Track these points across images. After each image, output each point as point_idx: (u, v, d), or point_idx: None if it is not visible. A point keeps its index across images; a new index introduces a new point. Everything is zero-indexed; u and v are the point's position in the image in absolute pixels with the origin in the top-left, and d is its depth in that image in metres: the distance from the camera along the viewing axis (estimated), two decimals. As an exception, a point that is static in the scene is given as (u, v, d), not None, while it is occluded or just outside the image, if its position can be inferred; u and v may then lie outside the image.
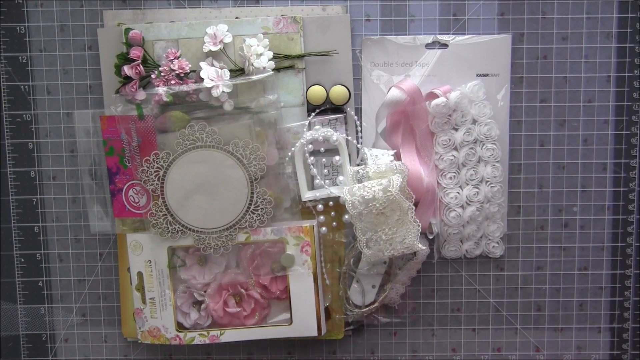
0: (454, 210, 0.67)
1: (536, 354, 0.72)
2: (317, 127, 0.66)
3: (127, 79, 0.64)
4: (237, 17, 0.66)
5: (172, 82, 0.64)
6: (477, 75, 0.67)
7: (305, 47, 0.66)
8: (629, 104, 0.69)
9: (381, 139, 0.67)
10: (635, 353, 0.72)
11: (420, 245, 0.63)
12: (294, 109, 0.67)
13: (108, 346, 0.72)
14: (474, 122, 0.67)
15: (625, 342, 0.72)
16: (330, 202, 0.67)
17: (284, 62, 0.66)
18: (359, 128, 0.67)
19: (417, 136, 0.67)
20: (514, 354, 0.72)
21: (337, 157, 0.66)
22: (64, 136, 0.70)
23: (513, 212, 0.70)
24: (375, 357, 0.72)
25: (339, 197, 0.65)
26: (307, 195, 0.66)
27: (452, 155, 0.66)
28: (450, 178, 0.67)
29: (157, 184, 0.65)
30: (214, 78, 0.63)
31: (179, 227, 0.65)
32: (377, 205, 0.61)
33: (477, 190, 0.67)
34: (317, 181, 0.67)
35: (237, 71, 0.65)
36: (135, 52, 0.64)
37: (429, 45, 0.67)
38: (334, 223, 0.68)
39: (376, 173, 0.63)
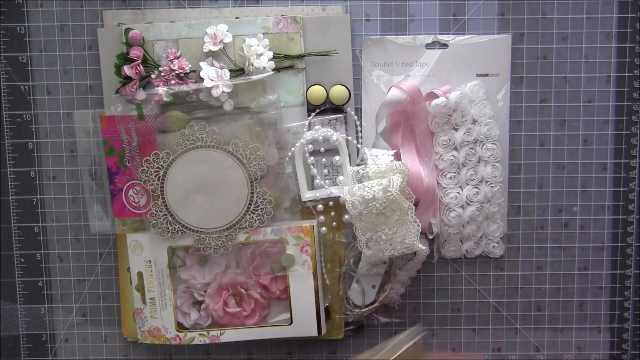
0: (454, 210, 0.67)
1: (536, 354, 0.72)
2: (317, 127, 0.66)
3: (127, 79, 0.64)
4: (237, 17, 0.66)
5: (172, 82, 0.64)
6: (477, 75, 0.67)
7: (305, 47, 0.66)
8: (629, 104, 0.69)
9: (381, 139, 0.67)
10: (635, 353, 0.72)
11: (420, 245, 0.63)
12: (294, 109, 0.67)
13: (108, 346, 0.72)
14: (474, 122, 0.67)
15: (625, 342, 0.72)
16: (330, 202, 0.67)
17: (284, 62, 0.66)
18: (359, 128, 0.67)
19: (417, 136, 0.67)
20: (514, 354, 0.72)
21: (337, 157, 0.66)
22: (64, 136, 0.70)
23: (513, 212, 0.70)
24: (375, 357, 0.72)
25: (339, 197, 0.65)
26: (307, 195, 0.66)
27: (452, 155, 0.66)
28: (450, 178, 0.67)
29: (157, 184, 0.65)
30: (214, 78, 0.63)
31: (179, 227, 0.65)
32: (377, 205, 0.61)
33: (477, 190, 0.67)
34: (317, 181, 0.67)
35: (237, 71, 0.65)
36: (135, 52, 0.64)
37: (429, 45, 0.67)
38: (334, 223, 0.68)
39: (376, 173, 0.63)
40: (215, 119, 0.65)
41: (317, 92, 0.66)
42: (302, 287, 0.66)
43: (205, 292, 0.68)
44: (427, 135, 0.67)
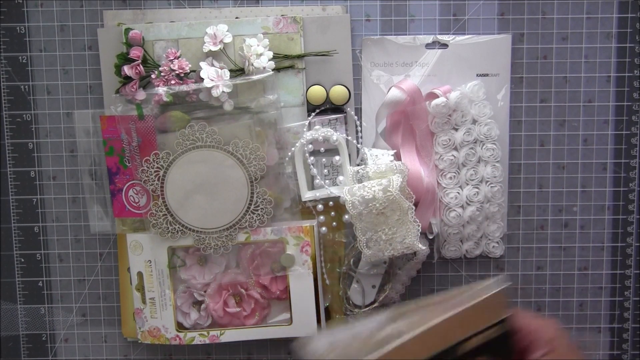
0: (454, 210, 0.67)
1: (536, 354, 0.72)
2: (317, 127, 0.66)
3: (127, 79, 0.64)
4: (237, 17, 0.66)
5: (172, 82, 0.64)
6: (477, 75, 0.67)
7: (305, 47, 0.66)
8: (629, 104, 0.69)
9: (381, 139, 0.67)
10: (635, 353, 0.72)
11: (420, 245, 0.63)
12: (294, 109, 0.67)
13: (108, 346, 0.72)
14: (474, 122, 0.67)
15: (625, 342, 0.72)
16: (330, 202, 0.67)
17: (284, 62, 0.66)
18: (359, 128, 0.67)
19: (417, 136, 0.67)
20: (514, 354, 0.72)
21: (337, 157, 0.66)
22: (64, 136, 0.70)
23: (513, 212, 0.70)
24: (375, 357, 0.72)
25: (339, 197, 0.65)
26: (307, 195, 0.66)
27: (452, 155, 0.66)
28: (450, 178, 0.67)
29: (157, 184, 0.65)
30: (214, 78, 0.63)
31: (179, 227, 0.65)
32: (377, 205, 0.61)
33: (477, 190, 0.67)
34: (317, 181, 0.67)
35: (237, 71, 0.65)
36: (135, 52, 0.64)
37: (429, 45, 0.67)
38: (334, 223, 0.68)
39: (376, 173, 0.63)
40: (215, 119, 0.65)
41: (317, 92, 0.66)
42: (302, 287, 0.66)
43: (205, 292, 0.68)
44: (427, 135, 0.67)
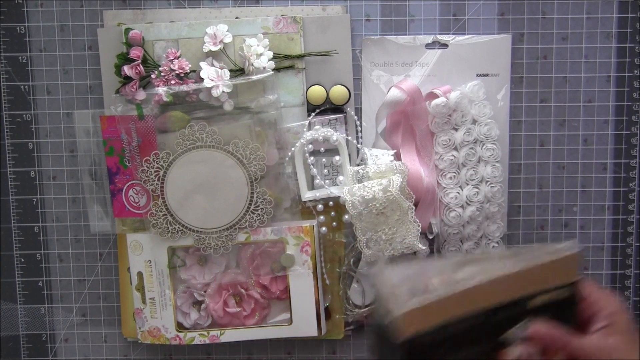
0: (454, 210, 0.67)
1: (536, 354, 0.72)
2: (317, 127, 0.66)
3: (127, 79, 0.64)
4: (237, 17, 0.66)
5: (172, 82, 0.64)
6: (477, 75, 0.67)
7: (305, 47, 0.66)
8: (629, 104, 0.69)
9: (381, 139, 0.67)
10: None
11: (420, 245, 0.63)
12: (294, 109, 0.67)
13: (108, 346, 0.72)
14: (474, 122, 0.67)
15: (625, 342, 0.72)
16: (330, 202, 0.67)
17: (284, 62, 0.66)
18: (359, 128, 0.67)
19: (417, 136, 0.67)
20: (514, 354, 0.72)
21: (337, 157, 0.66)
22: (64, 136, 0.70)
23: (513, 212, 0.70)
24: (375, 357, 0.72)
25: (339, 197, 0.65)
26: (307, 195, 0.66)
27: (452, 155, 0.66)
28: (450, 178, 0.67)
29: (157, 184, 0.65)
30: (214, 78, 0.63)
31: (179, 227, 0.65)
32: (377, 205, 0.61)
33: (477, 190, 0.67)
34: (317, 181, 0.67)
35: (237, 71, 0.65)
36: (135, 52, 0.64)
37: (429, 45, 0.67)
38: (334, 223, 0.68)
39: (376, 173, 0.63)
40: (215, 119, 0.65)
41: (317, 92, 0.66)
42: (302, 287, 0.66)
43: (205, 292, 0.68)
44: (427, 135, 0.67)
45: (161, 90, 0.63)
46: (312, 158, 0.66)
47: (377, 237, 0.63)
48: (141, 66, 0.64)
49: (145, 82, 0.65)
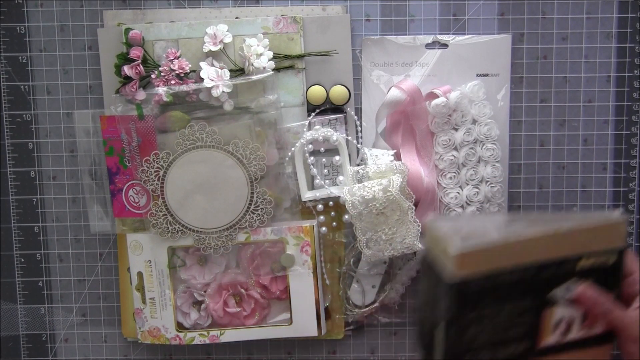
0: (454, 210, 0.67)
1: (536, 354, 0.72)
2: (317, 127, 0.66)
3: (127, 79, 0.64)
4: (237, 17, 0.66)
5: (172, 82, 0.64)
6: (477, 75, 0.67)
7: (305, 47, 0.66)
8: (629, 104, 0.69)
9: (381, 139, 0.67)
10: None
11: (420, 245, 0.63)
12: (294, 109, 0.67)
13: (108, 346, 0.72)
14: (474, 122, 0.67)
15: (625, 342, 0.72)
16: (330, 202, 0.67)
17: (284, 62, 0.66)
18: (359, 128, 0.67)
19: (417, 136, 0.67)
20: (514, 354, 0.72)
21: (337, 157, 0.66)
22: (64, 136, 0.70)
23: (513, 212, 0.70)
24: (375, 357, 0.72)
25: (339, 197, 0.65)
26: (307, 195, 0.66)
27: (452, 155, 0.66)
28: (450, 178, 0.67)
29: (157, 184, 0.65)
30: (214, 78, 0.63)
31: (179, 227, 0.65)
32: (377, 205, 0.61)
33: (477, 190, 0.67)
34: (317, 181, 0.67)
35: (237, 71, 0.65)
36: (135, 52, 0.64)
37: (429, 45, 0.67)
38: (334, 223, 0.68)
39: (376, 173, 0.63)
40: (215, 119, 0.65)
41: (317, 92, 0.66)
42: (302, 287, 0.66)
43: (205, 292, 0.68)
44: (427, 135, 0.67)
45: (161, 90, 0.63)
46: (312, 158, 0.66)
47: (377, 237, 0.63)
48: (141, 66, 0.64)
49: (145, 82, 0.65)
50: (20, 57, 0.69)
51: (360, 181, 0.64)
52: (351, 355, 0.72)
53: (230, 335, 0.67)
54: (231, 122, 0.64)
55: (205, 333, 0.67)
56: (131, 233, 0.67)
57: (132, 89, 0.64)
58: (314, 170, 0.67)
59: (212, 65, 0.64)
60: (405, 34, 0.68)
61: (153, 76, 0.64)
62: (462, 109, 0.66)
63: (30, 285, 0.72)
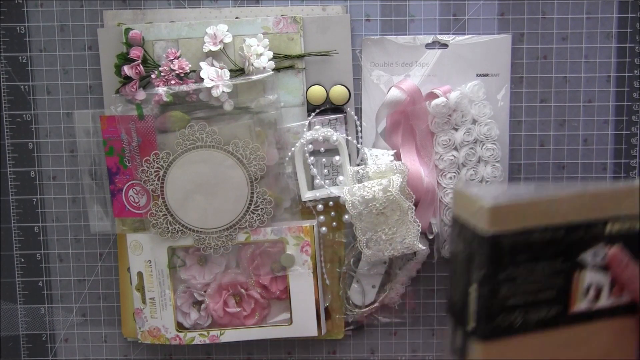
0: (454, 210, 0.67)
1: (536, 354, 0.72)
2: (317, 127, 0.66)
3: (127, 79, 0.64)
4: (237, 17, 0.66)
5: (172, 82, 0.64)
6: (477, 75, 0.67)
7: (305, 47, 0.66)
8: (629, 104, 0.69)
9: (381, 139, 0.67)
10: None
11: (420, 245, 0.63)
12: (294, 109, 0.67)
13: (108, 346, 0.73)
14: (474, 122, 0.67)
15: (625, 342, 0.72)
16: (330, 202, 0.67)
17: (284, 62, 0.66)
18: (359, 128, 0.68)
19: (417, 136, 0.67)
20: (514, 354, 0.72)
21: (337, 157, 0.66)
22: (64, 136, 0.70)
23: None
24: (375, 357, 0.72)
25: (339, 197, 0.65)
26: (307, 195, 0.66)
27: (452, 155, 0.66)
28: (450, 178, 0.67)
29: (157, 184, 0.65)
30: (214, 78, 0.63)
31: (179, 227, 0.65)
32: (377, 205, 0.61)
33: (477, 190, 0.67)
34: (317, 181, 0.67)
35: (237, 71, 0.65)
36: (135, 52, 0.64)
37: (429, 45, 0.67)
38: (334, 223, 0.68)
39: (376, 173, 0.63)
40: (215, 119, 0.65)
41: (317, 92, 0.66)
42: (302, 287, 0.66)
43: (205, 292, 0.68)
44: (427, 135, 0.67)
45: (161, 90, 0.63)
46: (312, 158, 0.66)
47: (377, 237, 0.63)
48: (141, 66, 0.64)
49: (145, 82, 0.65)
50: (20, 57, 0.69)
51: (360, 181, 0.64)
52: (351, 355, 0.72)
53: (230, 335, 0.67)
54: (231, 122, 0.64)
55: (205, 333, 0.67)
56: (131, 233, 0.67)
57: (132, 89, 0.64)
58: (314, 170, 0.67)
59: (212, 65, 0.64)
60: (405, 34, 0.68)
61: (153, 76, 0.64)
62: (462, 109, 0.66)
63: (30, 285, 0.72)
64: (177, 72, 0.63)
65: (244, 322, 0.68)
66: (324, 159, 0.67)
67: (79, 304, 0.72)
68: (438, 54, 0.67)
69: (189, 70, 0.64)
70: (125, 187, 0.67)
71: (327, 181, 0.68)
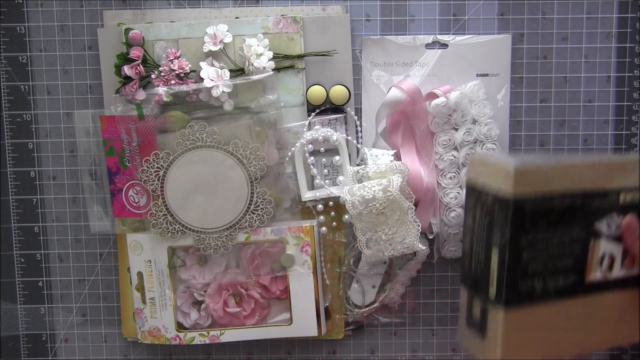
0: (454, 210, 0.67)
1: (536, 354, 0.72)
2: (317, 127, 0.66)
3: (127, 79, 0.64)
4: (237, 17, 0.66)
5: (172, 82, 0.64)
6: (477, 75, 0.67)
7: (305, 47, 0.66)
8: (629, 104, 0.69)
9: (381, 139, 0.67)
10: (635, 353, 0.72)
11: (420, 245, 0.63)
12: (294, 109, 0.67)
13: (108, 346, 0.73)
14: (474, 122, 0.67)
15: (625, 342, 0.72)
16: (330, 202, 0.67)
17: (284, 62, 0.66)
18: (359, 128, 0.68)
19: (417, 136, 0.67)
20: (514, 354, 0.72)
21: (337, 157, 0.66)
22: (64, 136, 0.70)
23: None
24: (375, 357, 0.72)
25: (339, 197, 0.65)
26: (307, 195, 0.66)
27: (452, 155, 0.66)
28: (450, 178, 0.67)
29: (157, 184, 0.65)
30: (214, 78, 0.63)
31: (179, 227, 0.65)
32: (377, 205, 0.61)
33: (477, 190, 0.67)
34: (317, 181, 0.67)
35: (237, 71, 0.65)
36: (135, 52, 0.64)
37: (429, 45, 0.67)
38: (334, 223, 0.68)
39: (376, 173, 0.63)
40: (215, 119, 0.65)
41: (317, 92, 0.66)
42: (302, 287, 0.66)
43: (205, 292, 0.68)
44: (427, 135, 0.67)
45: (161, 90, 0.63)
46: (312, 158, 0.66)
47: (377, 237, 0.63)
48: (141, 66, 0.64)
49: (145, 82, 0.65)
50: (20, 57, 0.69)
51: (360, 181, 0.64)
52: (351, 355, 0.72)
53: (230, 335, 0.67)
54: (231, 122, 0.64)
55: (205, 333, 0.67)
56: (131, 233, 0.67)
57: (132, 89, 0.64)
58: (314, 170, 0.67)
59: (212, 65, 0.64)
60: (405, 34, 0.68)
61: (153, 76, 0.64)
62: (462, 109, 0.66)
63: (30, 285, 0.72)
64: (177, 72, 0.63)
65: (244, 322, 0.68)
66: (324, 159, 0.67)
67: (79, 304, 0.72)
68: (438, 54, 0.67)
69: (189, 70, 0.64)
70: (125, 187, 0.67)
71: (327, 181, 0.68)
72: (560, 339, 0.51)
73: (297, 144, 0.65)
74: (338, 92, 0.66)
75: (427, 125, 0.66)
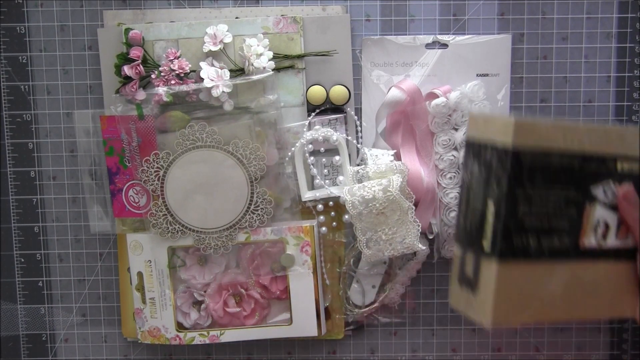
0: (454, 210, 0.67)
1: (536, 354, 0.72)
2: (317, 127, 0.66)
3: (127, 79, 0.64)
4: (237, 17, 0.66)
5: (172, 82, 0.64)
6: (477, 75, 0.67)
7: (305, 47, 0.66)
8: (629, 104, 0.69)
9: (381, 139, 0.67)
10: (635, 353, 0.72)
11: (420, 245, 0.63)
12: (294, 109, 0.67)
13: (108, 346, 0.73)
14: (474, 122, 0.66)
15: (625, 342, 0.72)
16: (330, 202, 0.67)
17: (284, 62, 0.66)
18: (359, 128, 0.68)
19: (417, 136, 0.67)
20: (514, 354, 0.72)
21: (337, 157, 0.66)
22: (64, 136, 0.70)
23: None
24: (375, 357, 0.72)
25: (339, 197, 0.65)
26: (307, 195, 0.66)
27: (452, 155, 0.66)
28: (450, 178, 0.67)
29: (157, 184, 0.65)
30: (214, 78, 0.63)
31: (179, 227, 0.65)
32: (377, 205, 0.61)
33: (477, 190, 0.67)
34: (317, 181, 0.67)
35: (237, 71, 0.65)
36: (135, 52, 0.64)
37: (429, 45, 0.67)
38: (334, 223, 0.68)
39: (376, 173, 0.63)
40: (215, 119, 0.65)
41: (317, 92, 0.66)
42: (302, 287, 0.66)
43: (205, 292, 0.68)
44: (427, 135, 0.67)
45: (161, 90, 0.63)
46: (312, 158, 0.66)
47: (377, 237, 0.63)
48: (141, 66, 0.64)
49: (145, 82, 0.65)
50: (20, 57, 0.69)
51: (360, 181, 0.64)
52: (351, 355, 0.72)
53: (230, 335, 0.67)
54: (231, 122, 0.64)
55: (205, 333, 0.67)
56: (131, 233, 0.68)
57: (132, 89, 0.64)
58: (314, 170, 0.67)
59: (212, 65, 0.64)
60: (405, 34, 0.68)
61: (153, 76, 0.64)
62: (462, 109, 0.66)
63: (30, 285, 0.72)
64: (177, 72, 0.63)
65: (244, 322, 0.68)
66: (324, 159, 0.67)
67: (79, 304, 0.72)
68: (438, 54, 0.67)
69: (189, 70, 0.64)
70: (125, 187, 0.67)
71: (327, 181, 0.68)
72: (551, 303, 0.51)
73: (297, 144, 0.65)
74: (338, 92, 0.66)
75: (427, 125, 0.66)
